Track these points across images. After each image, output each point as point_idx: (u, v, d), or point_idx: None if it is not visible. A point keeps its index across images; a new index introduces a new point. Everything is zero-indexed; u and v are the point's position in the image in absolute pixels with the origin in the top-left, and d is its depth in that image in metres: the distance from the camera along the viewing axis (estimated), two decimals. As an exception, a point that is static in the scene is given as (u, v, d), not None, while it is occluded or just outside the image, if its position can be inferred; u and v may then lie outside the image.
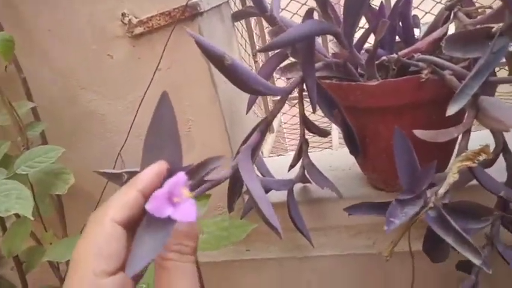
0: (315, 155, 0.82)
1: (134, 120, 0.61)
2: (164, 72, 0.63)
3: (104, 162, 0.67)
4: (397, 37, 0.62)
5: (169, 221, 0.24)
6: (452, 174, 0.43)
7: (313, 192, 0.67)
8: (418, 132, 0.47)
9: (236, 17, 0.77)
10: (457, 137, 0.48)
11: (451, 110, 0.41)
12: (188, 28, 0.59)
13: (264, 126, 0.48)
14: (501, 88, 1.13)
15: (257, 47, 0.99)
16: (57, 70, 0.67)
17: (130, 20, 0.61)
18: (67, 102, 0.68)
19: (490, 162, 0.47)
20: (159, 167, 0.27)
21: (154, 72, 0.60)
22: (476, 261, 0.35)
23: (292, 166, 0.66)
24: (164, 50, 0.59)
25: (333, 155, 0.80)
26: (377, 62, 0.55)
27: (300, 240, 0.63)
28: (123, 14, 0.61)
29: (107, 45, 0.64)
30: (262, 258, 0.68)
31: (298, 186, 0.68)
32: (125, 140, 0.62)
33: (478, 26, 0.44)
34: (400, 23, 0.62)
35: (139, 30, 0.61)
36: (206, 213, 0.59)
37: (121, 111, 0.66)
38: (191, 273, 0.26)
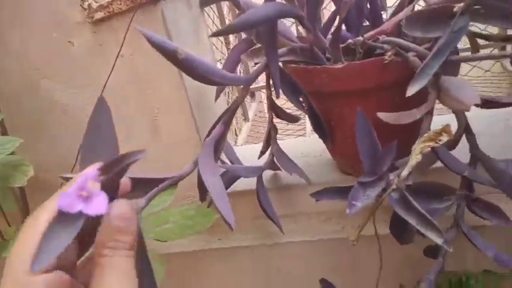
0: (288, 142, 0.81)
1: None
2: (127, 59, 0.61)
3: (69, 153, 0.65)
4: (367, 21, 0.62)
5: (79, 215, 0.24)
6: (415, 156, 0.42)
7: (283, 179, 0.66)
8: (381, 115, 0.47)
9: (204, 2, 0.75)
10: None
11: (411, 90, 0.40)
12: (150, 13, 0.58)
13: (228, 117, 0.46)
14: (472, 72, 1.14)
15: (230, 35, 0.98)
16: (17, 59, 0.65)
17: (89, 4, 0.58)
18: (28, 92, 0.66)
19: (452, 144, 0.46)
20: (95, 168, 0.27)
21: (116, 60, 0.58)
22: (438, 240, 0.35)
23: (262, 153, 0.65)
24: (125, 36, 0.57)
25: (306, 141, 0.80)
26: (343, 45, 0.54)
27: (271, 227, 0.63)
28: (82, -1, 0.58)
29: (67, 32, 0.61)
30: (233, 247, 0.67)
31: (269, 173, 0.67)
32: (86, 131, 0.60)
33: (440, 5, 0.43)
34: (368, 6, 0.61)
35: (99, 15, 0.58)
36: (175, 203, 0.58)
37: (84, 101, 0.64)
38: (126, 268, 0.25)
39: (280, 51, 0.53)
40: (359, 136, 0.42)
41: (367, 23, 0.62)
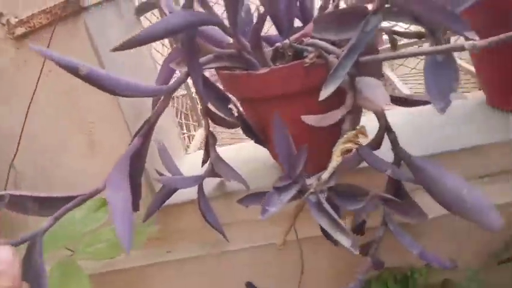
0: (236, 147, 0.80)
1: (23, 127, 0.57)
2: (55, 74, 0.59)
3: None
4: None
5: None
6: (335, 158, 0.42)
7: (228, 186, 0.65)
8: (305, 118, 0.46)
9: (140, 10, 0.73)
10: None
11: (325, 92, 0.40)
12: (73, 25, 0.56)
13: (147, 130, 0.45)
14: (420, 65, 1.15)
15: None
16: None
17: (8, 20, 0.56)
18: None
19: (376, 144, 0.46)
20: None
21: (39, 76, 0.56)
22: (346, 243, 0.35)
23: (204, 161, 0.64)
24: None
25: (255, 146, 0.79)
26: (268, 50, 0.54)
27: (220, 235, 0.62)
28: (0, 14, 0.56)
29: (-10, 49, 0.59)
30: (183, 258, 0.66)
31: (215, 181, 0.66)
32: (17, 150, 0.58)
33: (352, 6, 0.43)
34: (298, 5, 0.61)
35: (20, 30, 0.56)
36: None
37: (12, 119, 0.61)
38: None
39: (207, 58, 0.52)
40: (277, 141, 0.41)
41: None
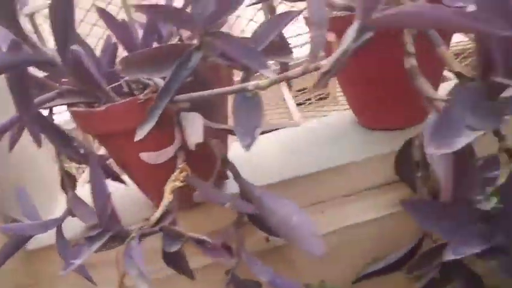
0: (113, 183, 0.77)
1: None
2: None
3: None
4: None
5: None
6: (167, 196, 0.42)
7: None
8: (142, 155, 0.46)
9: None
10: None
11: (140, 133, 0.40)
12: None
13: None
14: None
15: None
16: None
17: None
18: None
19: (220, 178, 0.46)
20: None
21: None
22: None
23: (68, 202, 0.61)
24: None
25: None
26: (113, 85, 0.53)
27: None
28: None
29: None
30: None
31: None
32: None
33: (169, 44, 0.43)
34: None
35: None
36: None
37: None
38: None
39: (47, 96, 0.50)
40: (92, 185, 0.40)
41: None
